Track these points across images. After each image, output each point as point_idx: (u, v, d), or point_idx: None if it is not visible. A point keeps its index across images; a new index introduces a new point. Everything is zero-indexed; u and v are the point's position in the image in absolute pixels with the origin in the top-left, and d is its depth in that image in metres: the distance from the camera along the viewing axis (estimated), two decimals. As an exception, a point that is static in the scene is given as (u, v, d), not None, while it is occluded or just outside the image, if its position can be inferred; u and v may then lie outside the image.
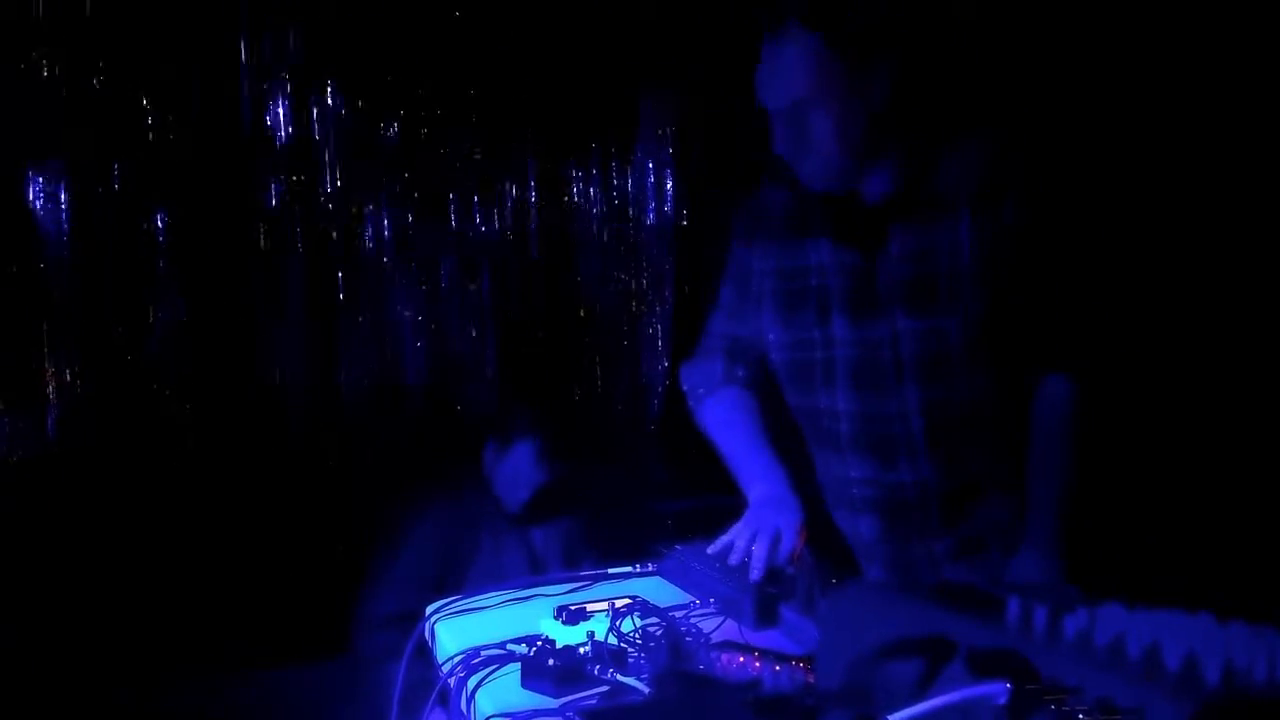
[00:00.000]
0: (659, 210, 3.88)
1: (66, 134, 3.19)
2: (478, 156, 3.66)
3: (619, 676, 1.30)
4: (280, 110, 3.41)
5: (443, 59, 3.56)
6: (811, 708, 1.10)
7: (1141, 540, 2.53)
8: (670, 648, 1.34)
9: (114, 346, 3.28)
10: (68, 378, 3.21)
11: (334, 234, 3.52)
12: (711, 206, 3.82)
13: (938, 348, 1.62)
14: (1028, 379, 1.65)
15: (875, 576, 1.77)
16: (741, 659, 1.29)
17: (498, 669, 1.39)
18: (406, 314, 3.63)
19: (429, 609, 1.70)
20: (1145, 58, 2.91)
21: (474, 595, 1.73)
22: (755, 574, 1.52)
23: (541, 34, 3.62)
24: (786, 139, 1.62)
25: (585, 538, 2.69)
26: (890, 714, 0.91)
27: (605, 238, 3.84)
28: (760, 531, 1.57)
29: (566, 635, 1.42)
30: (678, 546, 1.76)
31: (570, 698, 1.28)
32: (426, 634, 1.66)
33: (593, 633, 1.41)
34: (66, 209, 3.18)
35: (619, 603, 1.54)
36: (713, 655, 1.32)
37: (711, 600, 1.59)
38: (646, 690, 1.27)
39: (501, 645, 1.45)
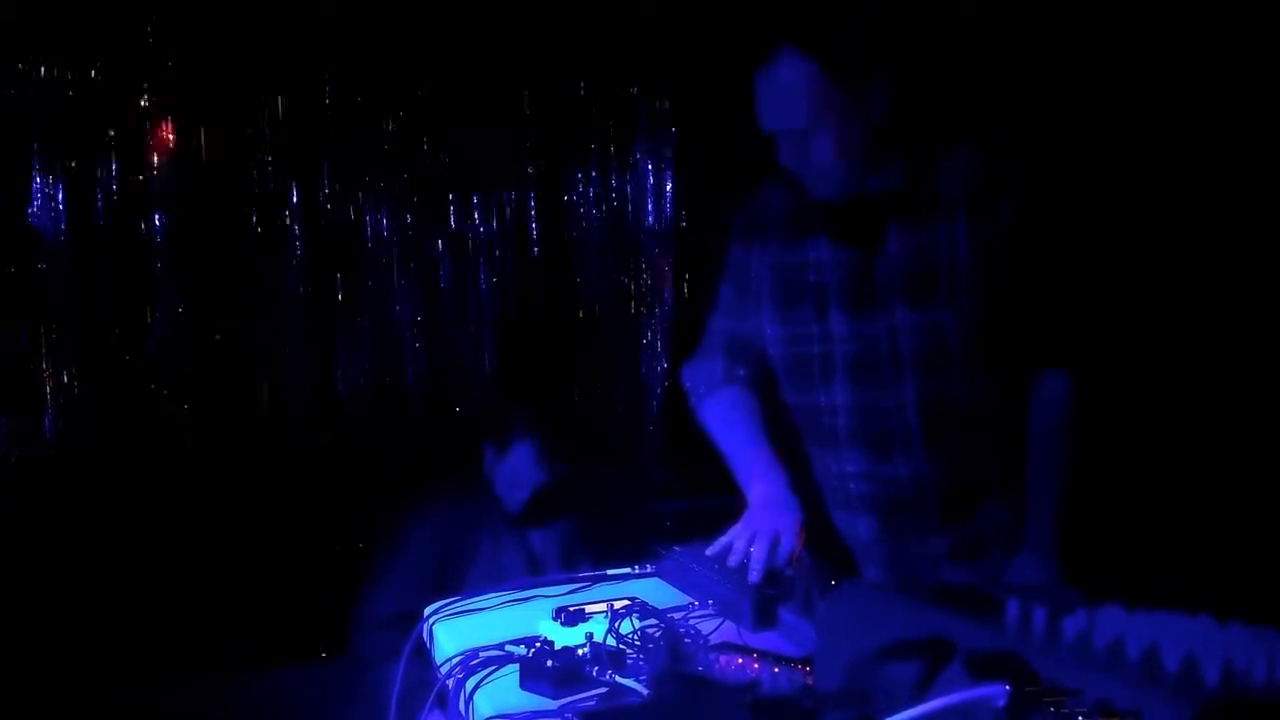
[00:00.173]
0: (658, 210, 3.88)
1: (65, 134, 3.19)
2: (476, 157, 3.66)
3: (617, 678, 1.30)
4: (279, 110, 3.40)
5: (442, 59, 3.56)
6: (810, 709, 1.10)
7: (1141, 541, 2.54)
8: (669, 649, 1.34)
9: (113, 346, 3.27)
10: (66, 378, 3.21)
11: (333, 234, 3.52)
12: (711, 206, 3.82)
13: (935, 342, 1.62)
14: (1025, 377, 1.66)
15: (873, 577, 1.77)
16: (740, 660, 1.29)
17: (496, 670, 1.39)
18: (405, 314, 3.63)
19: (427, 610, 1.70)
20: (1139, 59, 2.91)
21: (472, 596, 1.73)
22: (754, 575, 1.52)
23: (541, 34, 3.62)
24: (791, 156, 1.63)
25: (584, 539, 2.69)
26: (889, 716, 0.91)
27: (605, 238, 3.83)
28: (759, 533, 1.57)
29: (565, 636, 1.42)
30: (676, 548, 1.75)
31: (569, 699, 1.28)
32: (425, 635, 1.66)
33: (591, 634, 1.41)
34: (64, 209, 3.18)
35: (618, 604, 1.53)
36: (711, 657, 1.32)
37: (710, 602, 1.58)
38: (645, 692, 1.27)
39: (500, 646, 1.44)
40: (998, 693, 0.91)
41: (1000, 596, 1.10)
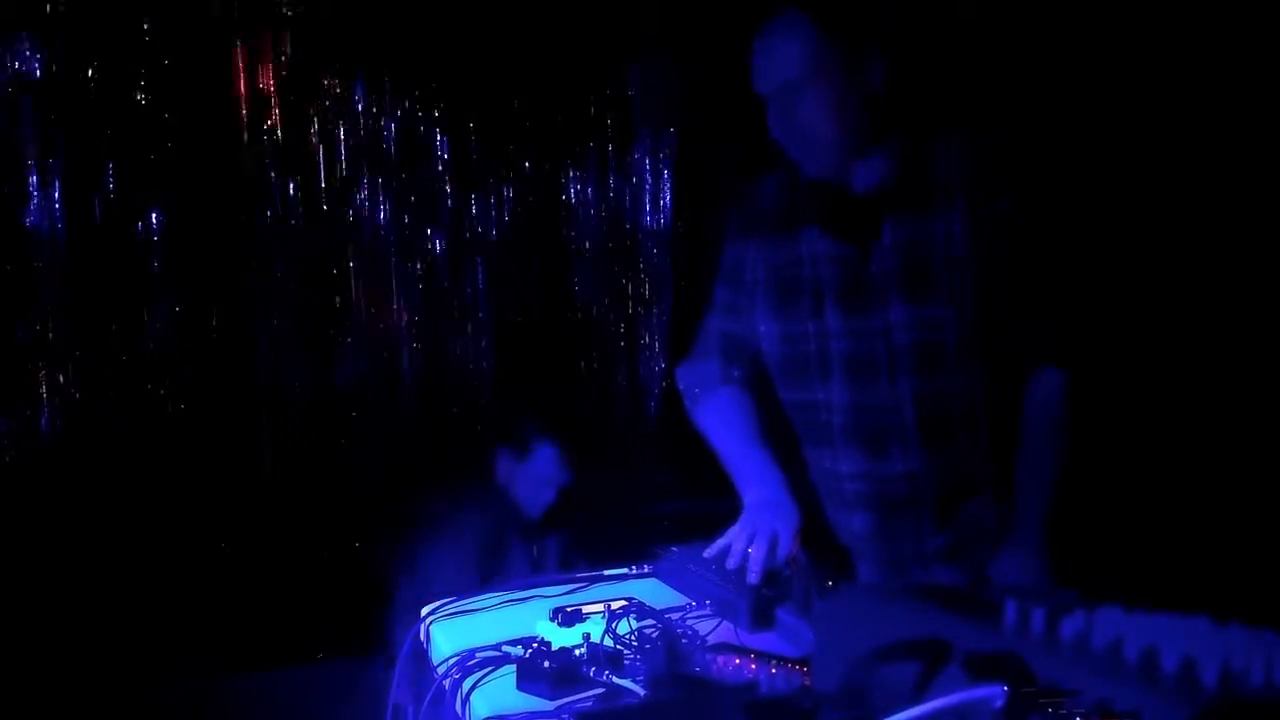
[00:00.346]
0: (656, 212, 3.87)
1: (63, 133, 3.18)
2: (475, 157, 3.66)
3: (614, 678, 1.30)
4: (278, 110, 3.40)
5: (441, 59, 3.56)
6: (808, 710, 1.10)
7: (1139, 542, 2.53)
8: (666, 650, 1.33)
9: (110, 346, 3.27)
10: (63, 378, 3.20)
11: (332, 234, 3.52)
12: (708, 207, 3.82)
13: (932, 338, 1.62)
14: (1020, 375, 1.65)
15: (868, 576, 1.76)
16: (738, 661, 1.29)
17: (493, 671, 1.39)
18: (404, 316, 3.63)
19: (424, 610, 1.70)
20: (1137, 52, 2.91)
21: (470, 597, 1.72)
22: (753, 577, 1.52)
23: (541, 34, 3.62)
24: (781, 122, 1.62)
25: (582, 539, 2.69)
26: (887, 717, 0.91)
27: (603, 240, 3.83)
28: (757, 534, 1.57)
29: (562, 637, 1.42)
30: (674, 548, 1.75)
31: (566, 700, 1.28)
32: (422, 635, 1.65)
33: (588, 634, 1.40)
34: (61, 208, 3.18)
35: (615, 604, 1.53)
36: (709, 657, 1.31)
37: (708, 602, 1.58)
38: (642, 692, 1.27)
39: (497, 647, 1.44)
40: (996, 694, 0.90)
41: (998, 598, 1.10)
